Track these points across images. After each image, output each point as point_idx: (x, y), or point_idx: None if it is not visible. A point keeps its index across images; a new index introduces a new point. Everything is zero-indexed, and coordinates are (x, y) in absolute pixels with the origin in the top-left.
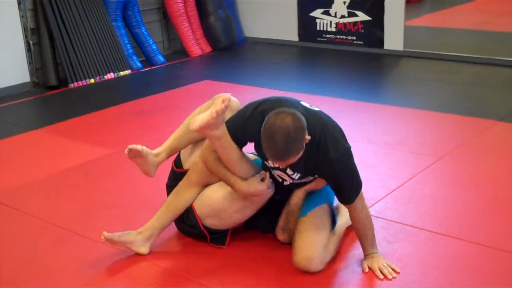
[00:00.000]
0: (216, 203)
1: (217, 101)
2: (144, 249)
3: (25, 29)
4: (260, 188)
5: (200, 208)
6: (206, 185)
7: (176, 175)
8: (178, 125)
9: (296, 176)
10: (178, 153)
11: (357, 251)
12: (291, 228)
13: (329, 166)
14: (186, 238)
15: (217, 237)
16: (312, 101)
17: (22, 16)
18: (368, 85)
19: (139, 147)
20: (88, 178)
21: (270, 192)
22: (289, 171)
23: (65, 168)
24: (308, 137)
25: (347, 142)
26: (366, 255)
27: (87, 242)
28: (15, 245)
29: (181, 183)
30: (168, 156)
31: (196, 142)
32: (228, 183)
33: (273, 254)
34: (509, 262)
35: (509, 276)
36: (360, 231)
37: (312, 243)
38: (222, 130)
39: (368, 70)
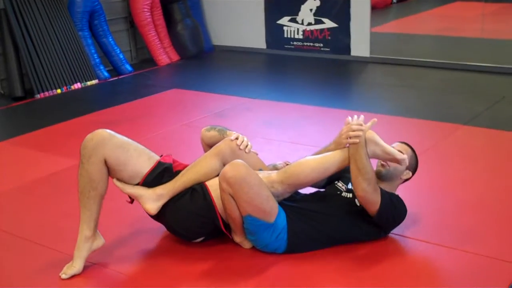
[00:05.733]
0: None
1: None
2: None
3: None
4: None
5: (217, 191)
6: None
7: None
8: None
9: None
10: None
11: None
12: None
13: None
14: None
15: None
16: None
17: None
18: (335, 92)
19: (133, 193)
20: (56, 190)
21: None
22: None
23: (32, 180)
24: (410, 174)
25: None
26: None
27: (56, 255)
28: None
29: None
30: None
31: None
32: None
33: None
34: (471, 263)
35: (471, 276)
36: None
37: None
38: None
39: (335, 76)
